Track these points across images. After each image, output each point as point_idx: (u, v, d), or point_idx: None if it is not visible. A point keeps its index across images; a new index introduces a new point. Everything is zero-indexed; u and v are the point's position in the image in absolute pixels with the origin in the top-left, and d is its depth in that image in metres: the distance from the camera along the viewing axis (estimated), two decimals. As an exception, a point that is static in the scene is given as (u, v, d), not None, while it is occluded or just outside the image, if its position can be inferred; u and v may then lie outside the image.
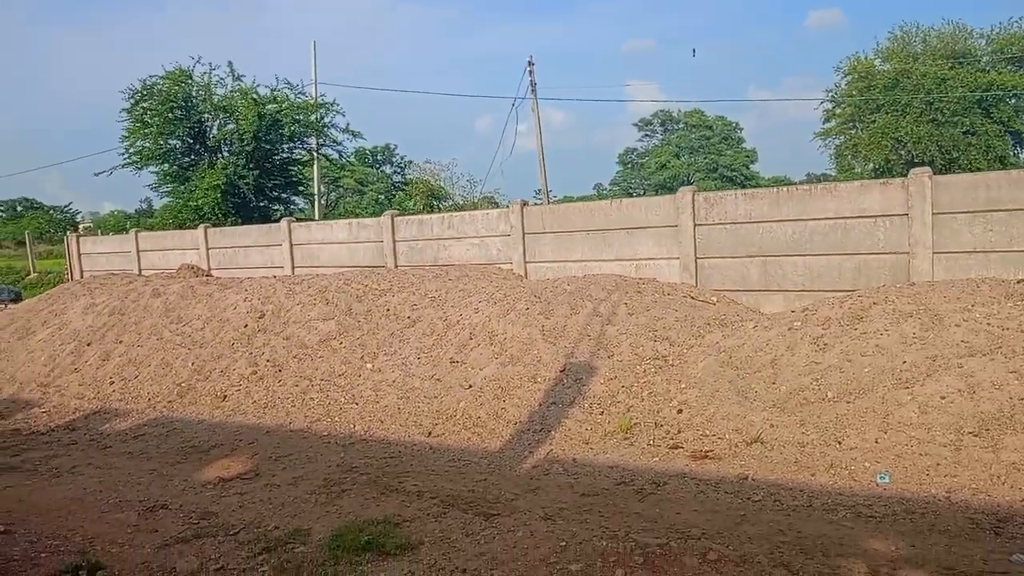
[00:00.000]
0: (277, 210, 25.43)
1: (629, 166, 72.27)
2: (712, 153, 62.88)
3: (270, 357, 9.95)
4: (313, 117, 24.93)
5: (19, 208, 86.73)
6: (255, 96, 22.98)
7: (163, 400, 9.53)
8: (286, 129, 23.62)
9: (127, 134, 24.37)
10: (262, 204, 24.82)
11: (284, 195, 26.70)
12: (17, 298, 23.54)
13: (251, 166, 22.96)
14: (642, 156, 70.89)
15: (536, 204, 13.46)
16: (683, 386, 7.41)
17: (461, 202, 34.56)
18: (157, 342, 10.86)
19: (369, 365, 9.28)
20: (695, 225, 10.81)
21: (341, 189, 65.43)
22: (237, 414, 8.86)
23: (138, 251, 19.63)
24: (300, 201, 32.30)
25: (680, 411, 7.09)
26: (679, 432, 6.83)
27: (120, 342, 11.14)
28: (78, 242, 21.59)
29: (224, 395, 9.35)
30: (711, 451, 6.42)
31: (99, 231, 47.84)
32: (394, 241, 14.41)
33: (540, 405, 7.60)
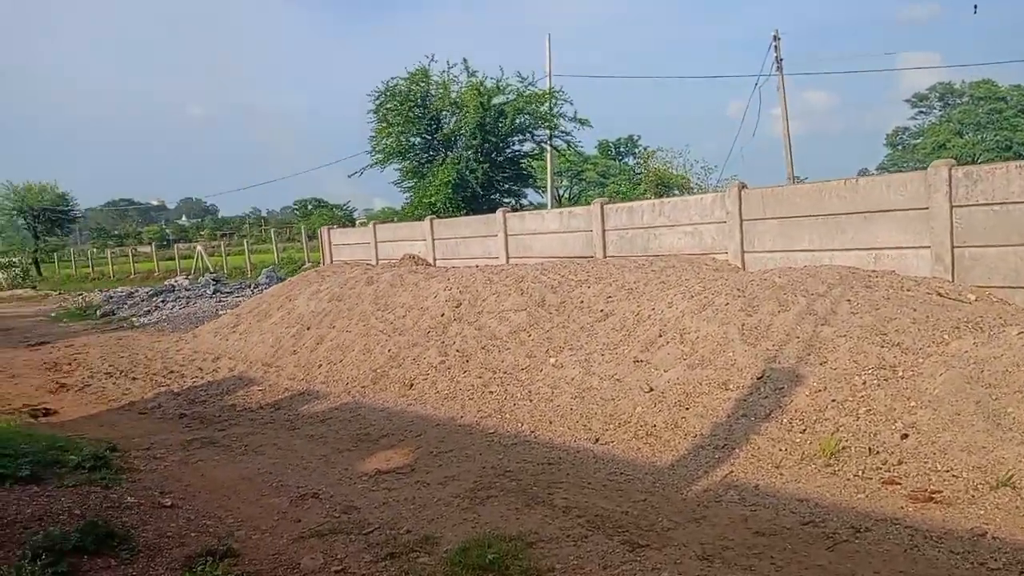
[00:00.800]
0: (508, 203, 25.84)
1: (900, 148, 64.50)
2: (1005, 129, 53.83)
3: (460, 347, 9.79)
4: (543, 108, 24.93)
5: (310, 207, 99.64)
6: (478, 88, 23.48)
7: (358, 385, 9.76)
8: (508, 120, 23.83)
9: (374, 135, 26.25)
10: (492, 197, 25.35)
11: (515, 188, 27.10)
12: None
13: (480, 159, 23.52)
14: (916, 136, 62.88)
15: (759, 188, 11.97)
16: (912, 404, 5.90)
17: (695, 190, 32.86)
18: (363, 328, 11.23)
19: (552, 360, 8.72)
20: (952, 207, 8.83)
21: (584, 182, 65.93)
22: (418, 403, 8.77)
23: (376, 242, 20.93)
24: (534, 194, 32.71)
25: (905, 436, 5.64)
26: (899, 463, 5.40)
27: (333, 327, 11.70)
28: (329, 234, 23.61)
29: (411, 383, 9.33)
30: (939, 492, 4.97)
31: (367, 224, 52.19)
32: (603, 230, 13.71)
33: (727, 417, 6.50)
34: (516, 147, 26.12)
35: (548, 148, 28.26)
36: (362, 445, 7.48)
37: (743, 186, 11.50)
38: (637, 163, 62.93)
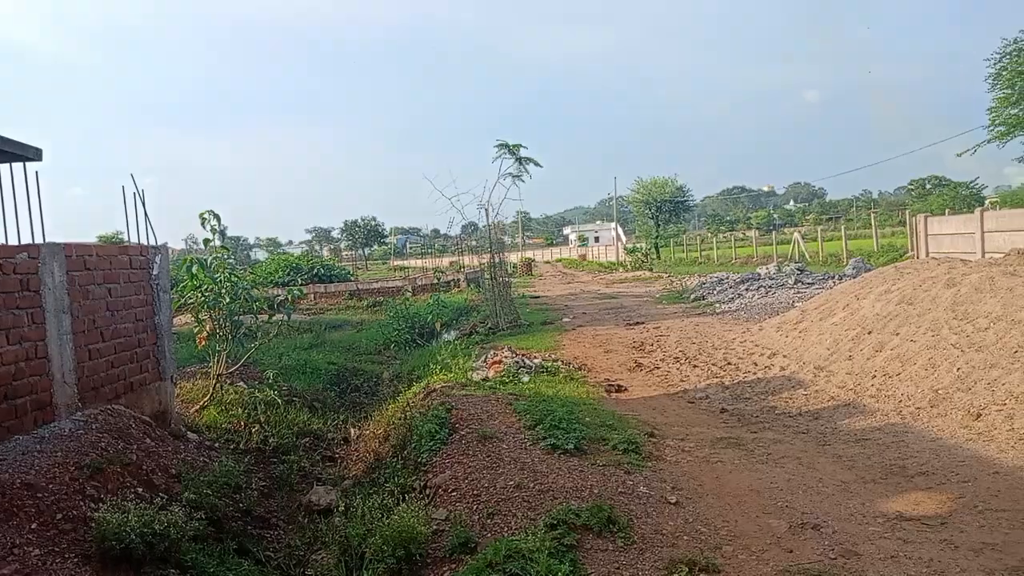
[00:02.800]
0: None
1: None
2: None
3: (1057, 376, 7.69)
4: None
5: (928, 186, 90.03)
6: None
7: (911, 406, 8.53)
8: None
9: (994, 104, 22.41)
10: None
11: None
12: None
13: None
14: None
15: None
16: None
17: None
18: (931, 339, 9.73)
19: None
20: None
21: None
22: (981, 440, 7.20)
23: (981, 232, 17.85)
24: None
25: None
26: None
27: (896, 334, 10.44)
28: (926, 223, 21.07)
29: (978, 414, 7.73)
30: None
31: (1001, 207, 43.66)
32: None
33: None
34: None
35: None
36: (892, 479, 6.54)
37: None
38: None
